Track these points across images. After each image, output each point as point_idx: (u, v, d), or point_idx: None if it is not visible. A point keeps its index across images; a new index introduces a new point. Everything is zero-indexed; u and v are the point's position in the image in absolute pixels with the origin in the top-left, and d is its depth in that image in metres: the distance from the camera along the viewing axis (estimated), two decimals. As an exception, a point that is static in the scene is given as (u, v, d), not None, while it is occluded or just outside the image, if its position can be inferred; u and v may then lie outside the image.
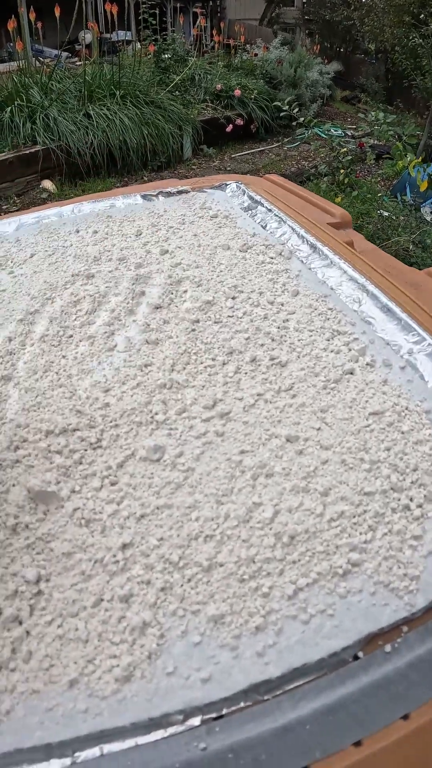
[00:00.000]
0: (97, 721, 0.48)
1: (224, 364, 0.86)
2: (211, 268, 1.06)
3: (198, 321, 0.93)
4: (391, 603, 0.51)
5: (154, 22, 6.32)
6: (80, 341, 0.90)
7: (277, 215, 0.96)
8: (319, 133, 6.29)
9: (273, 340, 0.89)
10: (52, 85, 5.44)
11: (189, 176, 5.55)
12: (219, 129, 6.20)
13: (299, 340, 0.90)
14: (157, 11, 6.45)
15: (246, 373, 0.85)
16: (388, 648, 0.48)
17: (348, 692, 0.45)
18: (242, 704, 0.47)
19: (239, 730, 0.44)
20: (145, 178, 5.33)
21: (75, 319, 0.94)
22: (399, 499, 0.61)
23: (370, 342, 0.83)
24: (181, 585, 0.60)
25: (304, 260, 0.93)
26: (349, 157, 5.05)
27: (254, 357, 0.86)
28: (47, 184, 5.03)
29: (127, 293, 0.98)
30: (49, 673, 0.52)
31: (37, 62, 6.24)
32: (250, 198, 1.03)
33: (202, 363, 0.87)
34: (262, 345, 0.88)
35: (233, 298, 0.97)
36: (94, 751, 0.47)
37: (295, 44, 8.09)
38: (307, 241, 0.93)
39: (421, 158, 5.09)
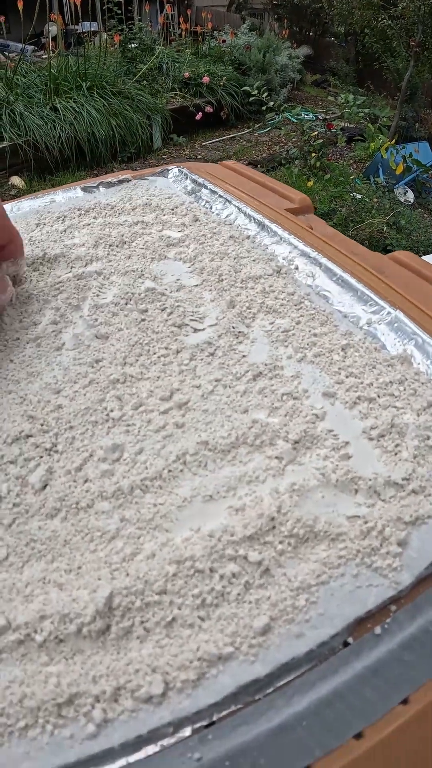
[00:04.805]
0: (84, 746, 0.45)
1: (178, 352, 0.83)
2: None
3: (146, 311, 0.90)
4: (376, 583, 0.49)
5: (119, 11, 6.24)
6: (27, 343, 0.85)
7: (222, 196, 0.92)
8: (290, 117, 6.25)
9: None
10: (17, 79, 5.35)
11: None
12: (189, 117, 6.14)
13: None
14: (123, 0, 6.37)
15: (201, 360, 0.82)
16: (378, 630, 0.46)
17: (342, 681, 0.42)
18: (233, 707, 0.44)
19: (233, 735, 0.42)
20: (115, 170, 5.26)
21: (19, 321, 0.89)
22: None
23: (328, 315, 0.80)
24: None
25: (254, 239, 0.89)
26: (320, 141, 5.01)
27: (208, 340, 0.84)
28: (16, 180, 4.95)
29: (70, 289, 0.94)
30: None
31: (2, 57, 6.14)
32: (194, 181, 0.99)
33: (155, 353, 0.83)
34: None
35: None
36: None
37: (264, 29, 8.02)
38: (254, 219, 0.89)
39: (393, 140, 5.07)
